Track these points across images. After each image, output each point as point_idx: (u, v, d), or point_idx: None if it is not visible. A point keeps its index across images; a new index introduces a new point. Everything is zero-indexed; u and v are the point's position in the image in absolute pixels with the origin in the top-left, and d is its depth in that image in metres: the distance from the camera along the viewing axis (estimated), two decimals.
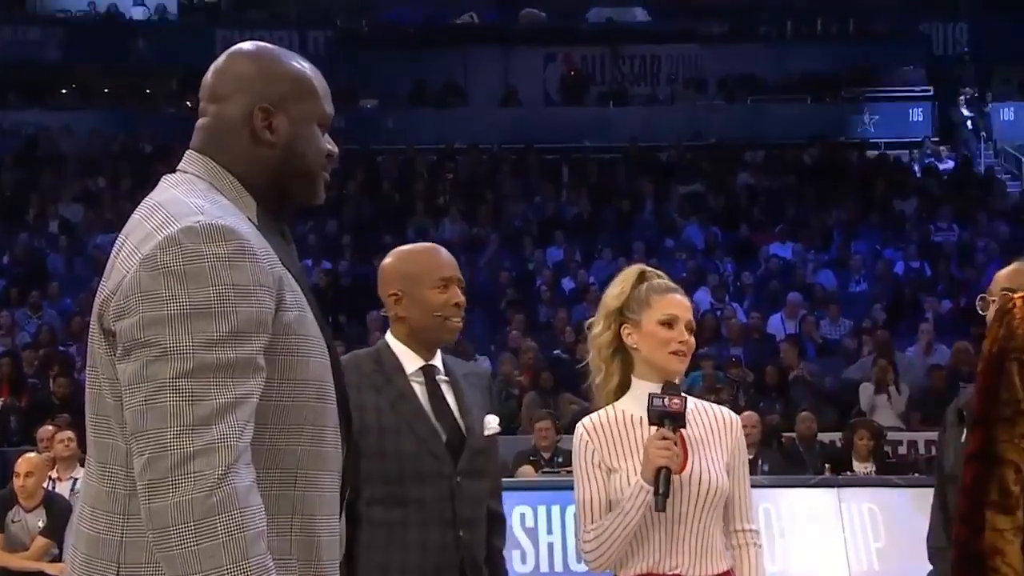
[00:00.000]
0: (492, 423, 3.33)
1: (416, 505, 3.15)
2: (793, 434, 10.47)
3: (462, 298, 3.30)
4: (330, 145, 2.25)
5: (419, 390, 3.26)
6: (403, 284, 3.27)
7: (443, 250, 3.41)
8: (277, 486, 2.07)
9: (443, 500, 3.17)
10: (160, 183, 2.18)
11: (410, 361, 3.28)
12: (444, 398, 3.28)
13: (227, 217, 2.05)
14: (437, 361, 3.33)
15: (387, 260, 3.38)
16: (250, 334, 1.99)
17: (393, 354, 3.29)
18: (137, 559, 2.02)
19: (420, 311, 3.26)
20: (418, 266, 3.30)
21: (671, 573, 3.14)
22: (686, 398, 3.15)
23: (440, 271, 3.29)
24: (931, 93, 21.43)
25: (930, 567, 3.64)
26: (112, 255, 2.10)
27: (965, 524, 2.21)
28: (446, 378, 3.31)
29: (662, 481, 3.04)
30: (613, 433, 3.20)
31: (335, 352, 2.23)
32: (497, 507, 3.43)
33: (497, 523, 3.42)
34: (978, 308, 3.16)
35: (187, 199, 2.08)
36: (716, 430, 3.24)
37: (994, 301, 3.06)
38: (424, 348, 3.30)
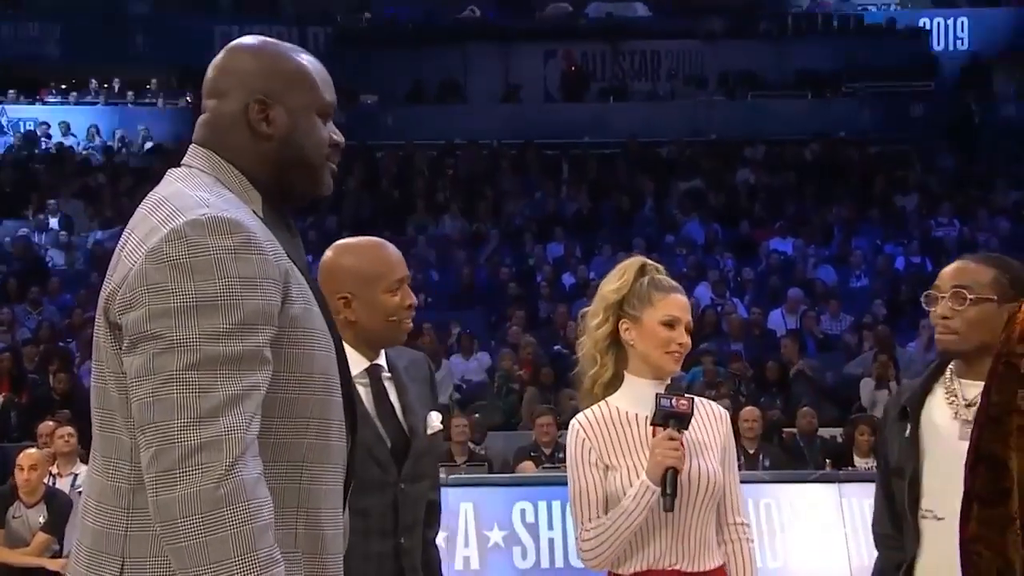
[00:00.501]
0: (435, 421, 3.22)
1: (359, 515, 2.96)
2: (794, 429, 10.48)
3: (414, 298, 3.15)
4: (335, 135, 2.24)
5: (363, 392, 3.10)
6: (354, 286, 3.06)
7: (391, 246, 3.19)
8: (283, 479, 2.07)
9: (386, 509, 3.07)
10: (165, 177, 2.18)
11: (355, 362, 3.06)
12: (388, 398, 3.15)
13: (232, 210, 2.05)
14: (381, 359, 3.19)
15: (331, 257, 3.12)
16: (256, 326, 1.98)
17: (344, 354, 3.14)
18: (142, 553, 2.01)
19: (373, 315, 3.07)
20: (370, 267, 3.09)
21: (670, 569, 3.14)
22: (692, 399, 3.14)
23: (394, 272, 3.10)
24: (932, 88, 21.42)
25: None
26: (117, 249, 2.10)
27: (961, 517, 2.31)
28: (389, 375, 3.18)
29: (669, 482, 3.04)
30: (609, 430, 3.18)
31: (341, 346, 2.22)
32: (435, 498, 3.32)
33: (432, 513, 3.31)
34: (923, 304, 3.19)
35: (192, 192, 2.07)
36: (708, 426, 3.24)
37: (943, 297, 3.08)
38: (371, 349, 3.14)
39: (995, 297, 3.00)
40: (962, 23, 22.65)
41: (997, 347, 2.30)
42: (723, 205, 17.58)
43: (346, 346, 3.07)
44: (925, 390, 3.15)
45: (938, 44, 22.70)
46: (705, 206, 17.43)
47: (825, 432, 10.49)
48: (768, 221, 16.93)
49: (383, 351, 3.21)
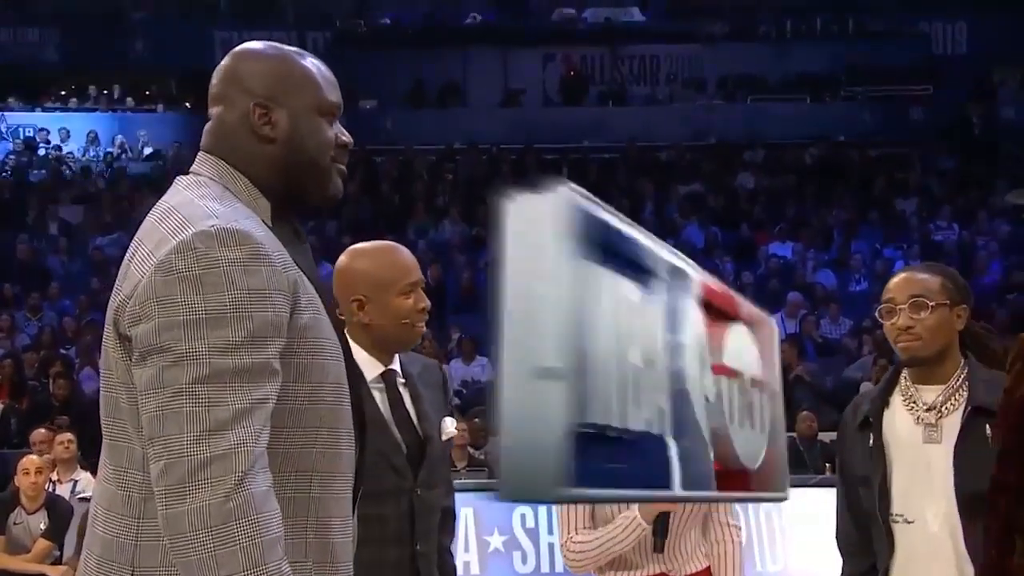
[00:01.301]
0: (449, 427, 3.23)
1: (376, 523, 2.95)
2: (793, 434, 10.47)
3: (427, 301, 3.16)
4: (343, 136, 2.22)
5: (379, 398, 3.11)
6: (368, 290, 3.08)
7: (404, 250, 3.23)
8: (293, 489, 2.07)
9: (402, 516, 3.07)
10: (173, 185, 2.18)
11: (370, 368, 3.11)
12: (404, 404, 3.16)
13: (241, 221, 2.04)
14: (395, 364, 3.20)
15: (346, 262, 3.16)
16: (266, 338, 1.98)
17: (352, 360, 3.15)
18: (152, 562, 2.02)
19: (387, 319, 3.09)
20: (385, 271, 3.11)
21: (655, 574, 3.22)
22: None
23: (408, 276, 3.12)
24: (931, 92, 21.42)
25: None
26: (126, 259, 2.09)
27: (996, 546, 2.36)
28: (403, 380, 3.19)
29: (660, 526, 3.13)
30: None
31: (350, 354, 2.22)
32: (449, 504, 3.33)
33: (447, 520, 3.32)
34: (878, 316, 3.22)
35: (201, 202, 2.07)
36: None
37: (903, 308, 3.13)
38: (385, 353, 3.14)
39: (948, 302, 3.12)
40: (961, 27, 22.66)
41: (1016, 383, 2.36)
42: (723, 209, 17.59)
43: (361, 351, 3.09)
44: (884, 399, 3.22)
45: (937, 47, 22.70)
46: (705, 210, 17.44)
47: (825, 436, 10.47)
48: (768, 225, 16.94)
49: (397, 357, 3.22)
